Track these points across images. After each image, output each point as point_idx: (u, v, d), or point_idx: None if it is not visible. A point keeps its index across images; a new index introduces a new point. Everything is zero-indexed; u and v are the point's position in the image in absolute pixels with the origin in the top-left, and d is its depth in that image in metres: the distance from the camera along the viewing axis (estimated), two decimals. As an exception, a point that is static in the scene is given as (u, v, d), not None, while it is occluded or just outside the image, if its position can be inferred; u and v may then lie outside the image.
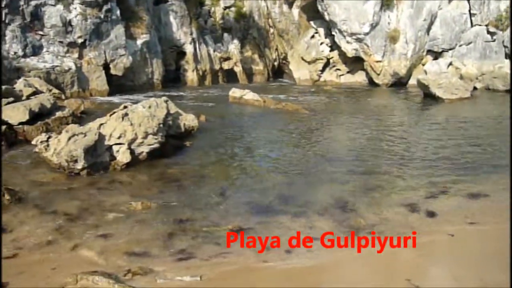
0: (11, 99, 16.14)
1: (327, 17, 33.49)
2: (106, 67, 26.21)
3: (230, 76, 37.08)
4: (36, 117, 15.88)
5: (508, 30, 32.55)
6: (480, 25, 33.91)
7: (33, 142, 13.20)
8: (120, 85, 27.06)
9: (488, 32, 33.65)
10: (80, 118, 17.80)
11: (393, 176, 12.18)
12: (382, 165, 13.20)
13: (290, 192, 10.97)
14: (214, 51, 36.00)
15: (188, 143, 15.32)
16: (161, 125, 13.84)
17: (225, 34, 37.75)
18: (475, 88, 30.30)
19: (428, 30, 33.69)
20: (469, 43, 33.81)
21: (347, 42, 33.26)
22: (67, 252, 7.75)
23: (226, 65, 37.12)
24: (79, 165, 11.81)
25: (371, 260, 7.61)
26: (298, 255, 7.71)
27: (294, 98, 26.69)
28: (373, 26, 32.56)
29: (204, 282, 6.76)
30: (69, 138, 12.14)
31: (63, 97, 21.03)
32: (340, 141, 16.80)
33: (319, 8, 33.77)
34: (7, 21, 22.11)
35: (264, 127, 18.47)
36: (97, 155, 12.41)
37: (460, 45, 33.95)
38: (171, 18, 32.80)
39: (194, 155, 14.35)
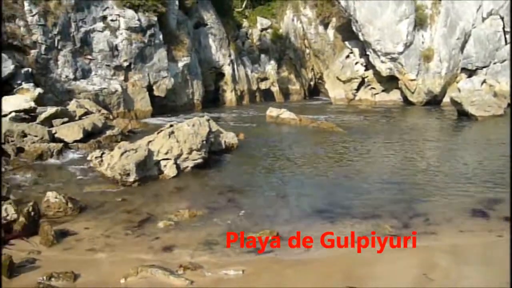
0: (65, 119, 17.59)
1: (361, 37, 34.36)
2: (149, 88, 27.68)
3: (267, 96, 38.27)
4: (88, 135, 17.26)
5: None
6: (514, 42, 34.18)
7: (88, 158, 14.49)
8: (162, 105, 28.47)
9: (523, 49, 33.88)
10: (128, 136, 19.08)
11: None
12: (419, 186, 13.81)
13: (328, 201, 11.84)
14: (251, 71, 37.28)
15: (228, 158, 16.39)
16: (204, 142, 14.94)
17: (262, 55, 39.05)
18: (510, 105, 30.51)
19: (462, 48, 34.17)
20: (503, 61, 34.09)
21: (382, 61, 34.01)
22: (125, 252, 8.80)
23: (263, 85, 38.33)
24: (131, 178, 12.98)
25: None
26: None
27: (329, 117, 27.52)
28: (407, 46, 33.25)
29: (246, 275, 7.70)
30: (122, 154, 13.33)
31: (111, 117, 22.45)
32: (374, 159, 17.44)
33: (354, 28, 34.69)
34: (59, 47, 23.78)
35: (301, 145, 19.33)
36: (147, 169, 13.58)
37: (495, 63, 34.26)
38: (210, 41, 34.25)
39: (234, 169, 15.43)
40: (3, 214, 9.63)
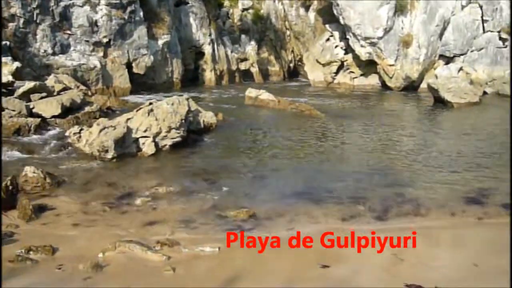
0: (44, 94, 17.45)
1: (342, 21, 34.50)
2: (129, 66, 27.50)
3: (247, 76, 38.29)
4: (67, 111, 17.17)
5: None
6: (492, 31, 34.67)
7: (66, 134, 14.49)
8: (141, 83, 28.33)
9: (500, 38, 34.40)
10: (106, 113, 19.02)
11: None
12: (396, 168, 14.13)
13: (303, 184, 12.09)
14: (231, 52, 37.22)
15: (207, 137, 16.52)
16: (183, 121, 15.03)
17: (243, 36, 38.95)
18: (485, 93, 31.08)
19: (441, 35, 34.55)
20: (481, 49, 34.61)
21: (361, 45, 34.23)
22: (103, 227, 8.93)
23: (243, 66, 38.32)
24: (109, 155, 13.05)
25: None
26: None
27: (308, 101, 27.70)
28: (386, 31, 33.51)
29: (221, 252, 7.90)
30: (100, 131, 13.38)
31: (89, 93, 22.30)
32: (351, 144, 17.65)
33: (335, 12, 34.80)
34: (38, 21, 23.43)
35: (280, 128, 19.45)
36: (125, 146, 13.66)
37: (472, 51, 34.75)
38: (191, 19, 34.05)
39: (212, 148, 15.59)
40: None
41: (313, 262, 7.76)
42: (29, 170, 10.96)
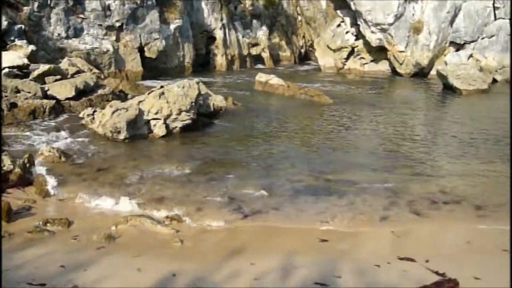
0: (58, 76, 17.90)
1: (353, 7, 34.56)
2: (141, 50, 27.88)
3: (258, 61, 38.54)
4: (80, 93, 17.63)
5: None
6: (503, 18, 34.55)
7: (80, 115, 14.97)
8: (153, 67, 28.71)
9: (512, 25, 34.31)
10: (119, 96, 19.44)
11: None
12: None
13: (307, 167, 12.46)
14: (243, 36, 37.45)
15: (216, 121, 16.92)
16: (193, 104, 15.42)
17: (254, 21, 39.13)
18: (495, 81, 31.10)
19: (452, 22, 34.50)
20: (492, 36, 34.54)
21: (372, 32, 34.31)
22: (116, 203, 9.41)
23: (254, 51, 38.56)
24: (121, 136, 13.50)
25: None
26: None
27: (318, 86, 27.84)
28: (397, 17, 33.53)
29: (228, 228, 8.35)
30: (113, 112, 13.82)
31: (102, 76, 22.73)
32: (362, 132, 17.57)
33: (346, -2, 34.85)
34: (52, 4, 23.86)
35: (289, 113, 19.66)
36: (137, 128, 14.10)
37: (483, 38, 34.69)
38: (203, 4, 34.26)
39: (221, 132, 15.99)
40: None
41: (315, 240, 8.17)
42: (45, 149, 11.46)
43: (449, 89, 27.68)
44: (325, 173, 11.89)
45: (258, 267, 6.84)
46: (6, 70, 17.15)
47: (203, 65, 33.80)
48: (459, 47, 34.73)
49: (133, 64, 27.28)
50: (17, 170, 9.99)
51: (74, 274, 6.27)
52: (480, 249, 7.94)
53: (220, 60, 34.93)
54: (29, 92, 16.27)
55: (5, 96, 15.92)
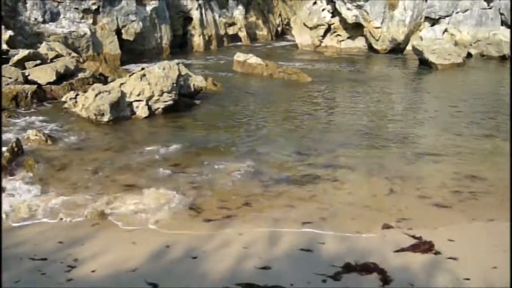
0: (38, 61, 17.93)
1: (329, -16, 34.76)
2: (118, 32, 27.81)
3: (235, 41, 38.62)
4: (61, 77, 17.69)
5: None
6: (477, -8, 35.06)
7: (63, 99, 15.12)
8: (131, 49, 28.68)
9: (485, -1, 34.84)
10: (99, 79, 19.52)
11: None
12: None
13: (281, 143, 12.86)
14: (219, 16, 37.45)
15: (197, 101, 17.16)
16: (174, 85, 15.65)
17: (230, 0, 39.11)
18: (470, 55, 31.68)
19: (426, -3, 34.93)
20: (466, 10, 35.04)
21: (348, 8, 34.59)
22: (105, 178, 9.74)
23: (231, 30, 38.62)
24: (105, 118, 13.71)
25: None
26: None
27: (295, 65, 28.09)
28: (373, -7, 33.84)
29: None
30: (96, 95, 13.99)
31: (81, 60, 22.72)
32: (341, 111, 17.76)
33: (321, -25, 34.98)
34: (27, -11, 23.67)
35: (267, 91, 20.03)
36: (120, 109, 14.31)
37: (457, 12, 35.18)
38: (179, -15, 34.15)
39: (202, 111, 16.26)
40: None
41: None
42: (31, 133, 11.64)
43: (425, 64, 28.17)
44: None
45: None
46: (-14, 56, 17.13)
47: (180, 46, 33.80)
48: (434, 22, 35.19)
49: (111, 46, 27.21)
50: (6, 154, 10.19)
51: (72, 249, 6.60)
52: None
53: (197, 41, 34.95)
54: (10, 78, 16.29)
55: (-16, 82, 15.96)
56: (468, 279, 6.12)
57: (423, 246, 6.67)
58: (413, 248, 6.69)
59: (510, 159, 10.97)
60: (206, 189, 9.41)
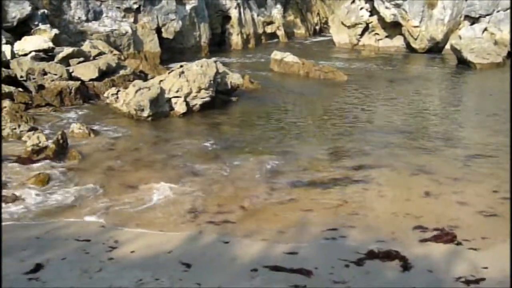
0: (81, 58, 18.67)
1: (367, -17, 34.74)
2: (158, 31, 28.52)
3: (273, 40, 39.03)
4: (103, 74, 18.38)
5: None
6: (519, -9, 34.44)
7: (105, 95, 15.77)
8: (170, 47, 29.36)
9: (527, -2, 34.19)
10: (139, 76, 20.15)
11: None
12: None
13: (313, 142, 13.16)
14: (257, 15, 37.85)
15: (234, 98, 17.59)
16: (212, 82, 16.10)
17: (269, -1, 39.48)
18: (510, 54, 31.14)
19: (466, -4, 34.51)
20: (507, 9, 34.45)
21: (386, 7, 34.49)
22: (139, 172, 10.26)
23: (269, 29, 38.97)
24: (145, 113, 14.27)
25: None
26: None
27: (333, 63, 28.15)
28: (411, -8, 33.66)
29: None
30: (136, 91, 14.56)
31: (122, 57, 23.46)
32: (377, 112, 17.65)
33: (360, -26, 34.99)
34: (72, -11, 24.58)
35: (305, 92, 20.06)
36: (159, 106, 14.85)
37: (498, 11, 34.63)
38: (218, -16, 34.69)
39: (238, 108, 16.68)
40: (35, 141, 10.98)
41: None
42: (75, 127, 12.27)
43: (463, 63, 27.91)
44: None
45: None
46: (33, 53, 17.96)
47: (219, 44, 34.31)
48: (474, 21, 34.71)
49: (151, 45, 27.93)
50: (52, 146, 10.80)
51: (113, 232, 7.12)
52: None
53: (235, 39, 35.41)
54: (55, 74, 17.05)
55: (33, 79, 16.76)
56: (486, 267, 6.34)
57: (445, 237, 6.90)
58: (435, 239, 6.93)
59: (510, 159, 10.98)
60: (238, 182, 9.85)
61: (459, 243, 6.94)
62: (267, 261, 6.49)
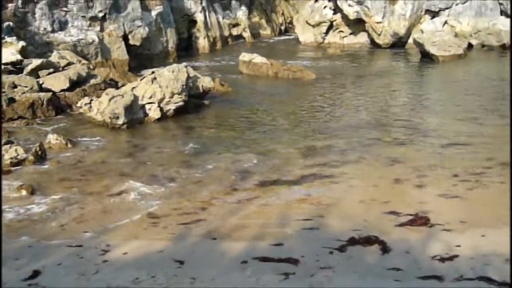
0: (51, 69, 18.64)
1: (329, -18, 35.32)
2: (125, 38, 28.51)
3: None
4: (74, 84, 18.37)
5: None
6: (476, -17, 35.45)
7: (78, 105, 15.83)
8: (138, 54, 29.36)
9: (485, -10, 35.22)
10: (110, 84, 20.17)
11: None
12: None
13: (286, 141, 13.50)
14: (223, 18, 38.13)
15: (206, 101, 17.81)
16: (184, 86, 16.32)
17: (233, 1, 39.78)
18: (470, 46, 32.07)
19: (426, -10, 35.38)
20: (465, 2, 35.43)
21: (349, 5, 35.13)
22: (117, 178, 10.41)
23: (235, 31, 39.28)
24: (120, 121, 14.40)
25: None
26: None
27: (300, 63, 28.59)
28: (373, -11, 34.38)
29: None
30: (110, 99, 14.68)
31: (90, 66, 23.43)
32: (346, 109, 18.01)
33: (322, -28, 35.55)
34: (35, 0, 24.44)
35: (274, 92, 20.41)
36: (133, 112, 15.00)
37: (457, 4, 35.58)
38: (182, -12, 34.82)
39: (212, 111, 16.93)
40: (13, 154, 11.03)
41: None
42: (52, 138, 12.34)
43: (426, 56, 28.66)
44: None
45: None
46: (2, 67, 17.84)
47: (186, 49, 34.39)
48: (434, 14, 35.62)
49: (119, 52, 27.91)
50: (31, 157, 10.88)
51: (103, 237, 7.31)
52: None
53: (202, 43, 35.57)
54: (25, 87, 17.00)
55: (3, 92, 16.65)
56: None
57: (419, 221, 7.33)
58: (411, 223, 7.35)
59: (510, 159, 10.83)
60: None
61: (432, 225, 7.38)
62: (255, 253, 6.81)
